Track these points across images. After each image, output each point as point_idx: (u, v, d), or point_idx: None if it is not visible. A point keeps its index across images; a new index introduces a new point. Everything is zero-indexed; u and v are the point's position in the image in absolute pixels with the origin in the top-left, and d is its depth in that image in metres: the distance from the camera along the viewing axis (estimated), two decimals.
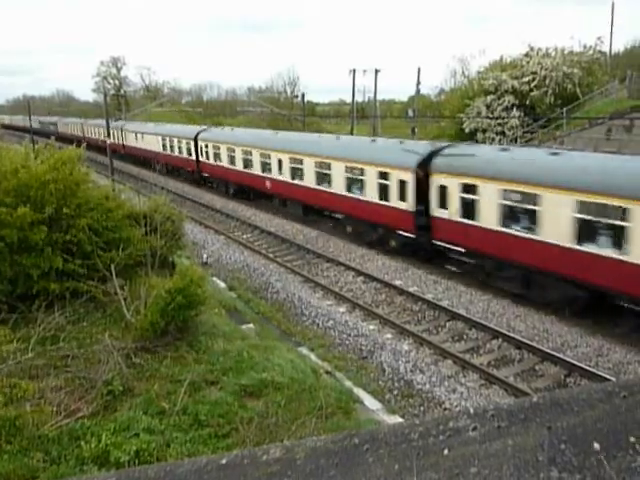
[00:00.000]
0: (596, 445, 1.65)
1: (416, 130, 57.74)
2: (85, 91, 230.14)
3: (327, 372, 13.66)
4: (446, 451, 1.89)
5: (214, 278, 21.05)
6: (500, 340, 15.75)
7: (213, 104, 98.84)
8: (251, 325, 16.17)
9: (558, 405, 1.89)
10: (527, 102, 38.29)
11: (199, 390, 10.69)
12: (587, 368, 13.77)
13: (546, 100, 37.51)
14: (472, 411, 2.05)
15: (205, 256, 24.22)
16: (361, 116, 72.99)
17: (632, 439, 1.60)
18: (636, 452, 1.56)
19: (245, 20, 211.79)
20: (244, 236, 28.40)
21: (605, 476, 1.54)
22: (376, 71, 65.46)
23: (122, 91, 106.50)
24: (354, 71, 63.95)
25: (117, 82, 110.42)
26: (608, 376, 13.01)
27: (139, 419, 9.42)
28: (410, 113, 58.04)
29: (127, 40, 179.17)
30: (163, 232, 15.43)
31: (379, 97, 69.59)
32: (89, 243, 13.61)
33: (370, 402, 12.51)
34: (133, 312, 12.57)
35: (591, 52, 41.91)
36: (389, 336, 16.25)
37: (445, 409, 12.35)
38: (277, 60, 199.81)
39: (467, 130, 39.22)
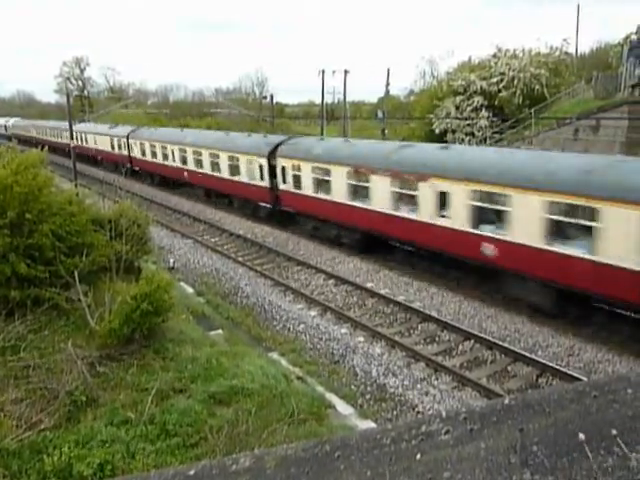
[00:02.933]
0: (566, 446, 1.66)
1: (386, 131, 58.08)
2: (47, 92, 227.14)
3: (298, 377, 13.64)
4: (419, 456, 1.89)
5: (181, 283, 20.92)
6: (472, 341, 15.89)
7: (180, 105, 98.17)
8: (220, 331, 16.10)
9: (530, 406, 1.90)
10: (496, 103, 38.87)
11: (166, 399, 10.59)
12: (559, 368, 13.95)
13: (514, 101, 38.12)
14: (444, 414, 2.06)
15: (172, 260, 24.06)
16: (331, 117, 73.21)
17: (595, 442, 1.61)
18: (607, 452, 1.57)
19: (211, 20, 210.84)
20: (212, 239, 28.26)
21: (577, 477, 1.55)
22: (345, 72, 65.64)
23: (86, 92, 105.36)
24: (323, 72, 64.09)
25: (80, 83, 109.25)
26: (580, 375, 13.20)
27: (103, 430, 9.30)
28: (379, 114, 58.34)
29: (91, 40, 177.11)
30: (129, 236, 15.30)
31: (349, 98, 69.79)
32: (52, 249, 13.43)
33: (342, 407, 12.51)
34: (97, 319, 12.43)
35: (558, 53, 42.77)
36: (361, 339, 16.28)
37: (418, 412, 12.40)
38: (245, 61, 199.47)
39: (437, 131, 39.57)
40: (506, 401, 1.98)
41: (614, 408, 1.74)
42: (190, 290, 20.60)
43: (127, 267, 15.30)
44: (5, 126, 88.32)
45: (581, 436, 1.67)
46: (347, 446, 2.07)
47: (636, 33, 37.58)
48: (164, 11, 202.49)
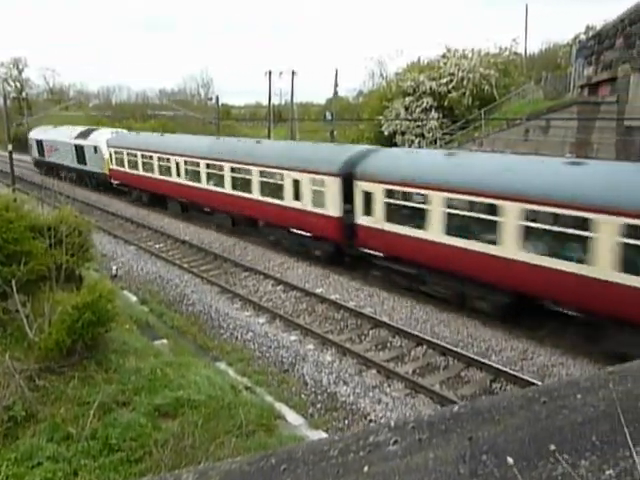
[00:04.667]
0: (516, 455, 1.65)
1: (335, 133, 58.27)
2: None
3: (247, 388, 13.52)
4: (366, 468, 1.86)
5: (125, 291, 20.61)
6: (425, 347, 15.96)
7: (123, 107, 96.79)
8: (165, 341, 15.87)
9: (479, 414, 1.88)
10: (445, 103, 39.17)
11: (109, 412, 10.37)
12: (512, 372, 14.09)
13: (464, 101, 38.54)
14: (392, 424, 2.03)
15: (115, 268, 23.67)
16: (278, 119, 73.09)
17: (552, 447, 1.60)
18: (557, 460, 1.56)
19: (153, 20, 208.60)
20: (156, 246, 27.92)
21: None
22: (293, 73, 65.69)
23: (24, 94, 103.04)
24: (270, 73, 63.99)
25: (18, 84, 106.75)
26: (533, 379, 13.33)
27: (43, 446, 9.06)
28: (328, 116, 58.51)
29: (29, 41, 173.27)
30: (69, 244, 14.95)
31: (297, 99, 69.83)
32: None
33: (292, 417, 12.45)
34: (36, 331, 12.11)
35: (507, 53, 43.49)
36: (311, 347, 16.24)
37: (370, 421, 12.40)
38: (190, 62, 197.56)
39: (386, 132, 39.77)
40: (455, 409, 1.96)
41: (563, 414, 1.73)
42: (134, 298, 20.30)
43: (68, 276, 14.96)
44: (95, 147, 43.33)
45: (531, 444, 1.66)
46: (293, 459, 2.03)
47: (584, 34, 38.51)
48: (104, 11, 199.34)
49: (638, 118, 18.44)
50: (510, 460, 1.60)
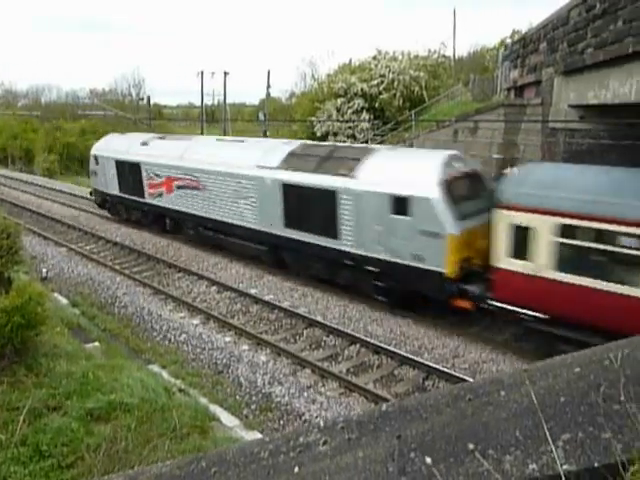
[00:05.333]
0: (443, 452, 1.66)
1: (268, 134, 58.17)
2: None
3: (181, 390, 13.35)
4: (297, 468, 1.85)
5: (55, 294, 20.04)
6: (358, 346, 16.04)
7: (52, 107, 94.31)
8: (97, 343, 15.55)
9: (407, 412, 1.89)
10: (376, 105, 39.52)
11: (40, 417, 10.07)
12: (444, 370, 14.29)
13: (395, 103, 38.97)
14: (322, 424, 2.02)
15: (45, 270, 23.03)
16: (211, 119, 72.60)
17: (471, 446, 1.62)
18: (482, 456, 1.58)
19: (84, 19, 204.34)
20: (88, 247, 27.28)
21: None
22: (225, 73, 65.36)
23: None
24: (202, 73, 63.50)
25: None
26: (465, 376, 13.55)
27: None
28: (261, 116, 58.42)
29: None
30: None
31: (229, 100, 69.45)
32: None
33: (227, 419, 12.33)
34: None
35: (436, 56, 44.22)
36: (245, 347, 16.15)
37: (305, 421, 12.41)
38: (121, 62, 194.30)
39: (319, 133, 39.90)
40: (383, 408, 1.96)
41: (488, 410, 1.75)
42: (64, 301, 19.79)
43: None
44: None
45: (457, 441, 1.67)
46: (224, 461, 2.01)
47: (510, 38, 39.47)
48: (33, 9, 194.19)
49: (562, 120, 18.91)
50: (428, 460, 1.61)
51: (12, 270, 16.26)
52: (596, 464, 1.47)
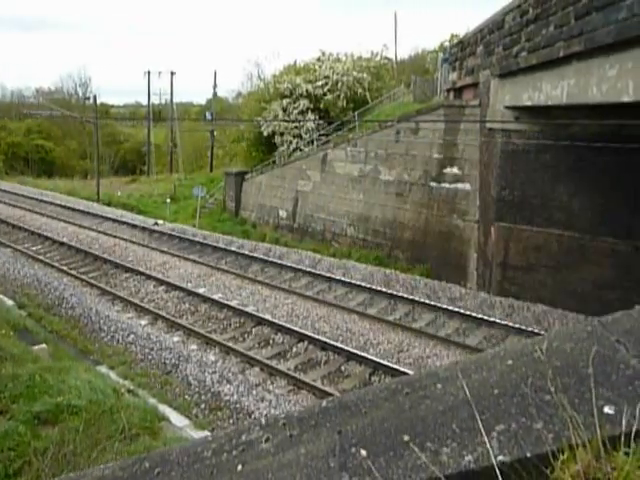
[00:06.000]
0: (382, 446, 1.68)
1: (215, 133, 57.85)
2: None
3: (129, 391, 13.16)
4: (240, 467, 1.85)
5: (0, 296, 19.60)
6: (306, 343, 16.12)
7: None
8: (44, 345, 15.22)
9: (347, 408, 1.90)
10: (321, 106, 39.87)
11: None
12: (390, 365, 14.50)
13: (339, 104, 39.39)
14: (264, 422, 2.03)
15: None
16: (158, 118, 71.86)
17: (415, 436, 1.65)
18: (420, 449, 1.60)
19: (27, 18, 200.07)
20: (34, 248, 26.81)
21: (393, 476, 1.56)
22: (172, 73, 64.98)
23: None
24: (149, 73, 63.00)
25: None
26: (409, 371, 13.67)
27: None
28: (208, 116, 58.08)
29: None
30: None
31: (177, 99, 69.02)
32: None
33: (177, 419, 12.22)
34: None
35: (378, 58, 44.81)
36: (194, 347, 16.05)
37: (255, 419, 12.39)
38: (67, 61, 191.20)
39: (265, 133, 40.07)
40: (324, 404, 1.97)
41: (426, 404, 1.77)
42: (10, 303, 19.31)
43: None
44: None
45: (396, 434, 1.69)
46: (167, 462, 2.00)
47: (449, 41, 40.29)
48: None
49: (498, 121, 19.58)
50: (363, 452, 1.63)
51: None
52: (528, 454, 1.51)
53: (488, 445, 1.53)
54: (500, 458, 1.50)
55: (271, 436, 1.90)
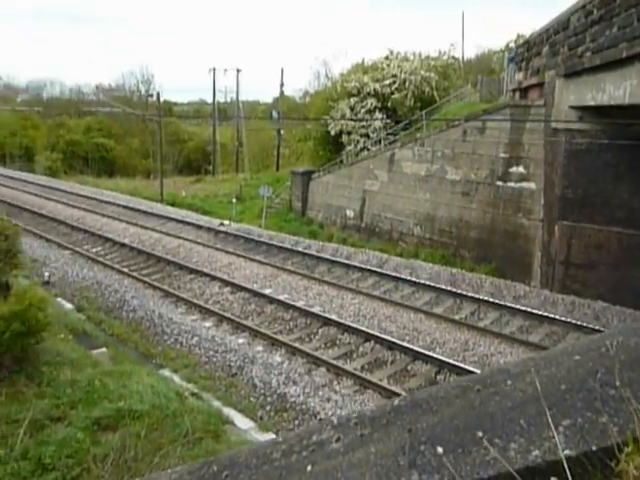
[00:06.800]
0: (452, 443, 1.72)
1: (282, 132, 58.37)
2: None
3: (193, 394, 13.45)
4: (309, 467, 1.90)
5: (59, 299, 20.19)
6: (372, 343, 16.35)
7: (55, 103, 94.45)
8: (104, 349, 15.64)
9: (418, 406, 1.94)
10: (389, 104, 40.00)
11: (42, 429, 10.03)
12: (455, 363, 14.83)
13: (406, 103, 39.55)
14: (335, 421, 2.07)
15: (47, 274, 23.17)
16: (224, 117, 72.68)
17: (484, 433, 1.68)
18: (489, 445, 1.64)
19: (88, 13, 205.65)
20: (94, 249, 27.51)
21: (462, 473, 1.60)
22: (238, 70, 65.73)
23: None
24: (214, 70, 63.84)
25: None
26: (475, 369, 13.99)
27: None
28: (275, 115, 58.53)
29: None
30: None
31: (242, 98, 69.79)
32: None
33: (241, 421, 12.45)
34: None
35: (445, 57, 44.71)
36: (260, 348, 16.29)
37: (320, 420, 12.47)
38: (130, 57, 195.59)
39: (332, 132, 40.42)
40: (396, 402, 2.02)
41: (495, 400, 1.82)
42: (69, 306, 19.91)
43: None
44: None
45: (466, 431, 1.73)
46: (236, 464, 2.05)
47: (515, 41, 40.16)
48: (32, 2, 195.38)
49: (562, 120, 20.09)
50: (440, 449, 1.68)
51: (11, 275, 16.38)
52: (594, 447, 1.57)
53: (556, 440, 1.58)
54: (566, 452, 1.56)
55: (342, 436, 1.96)
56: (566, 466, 1.53)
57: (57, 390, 11.44)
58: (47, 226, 32.71)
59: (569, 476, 1.52)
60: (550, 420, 1.63)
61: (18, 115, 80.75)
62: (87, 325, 17.78)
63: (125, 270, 23.65)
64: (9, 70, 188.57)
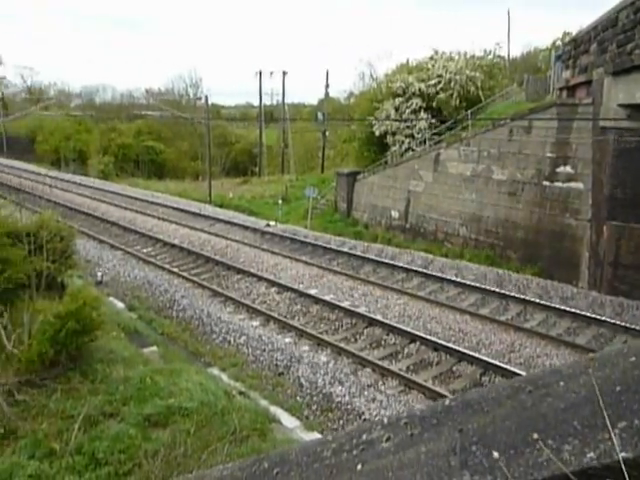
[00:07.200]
0: (504, 444, 1.70)
1: (326, 133, 58.45)
2: None
3: (241, 393, 13.53)
4: (359, 466, 1.90)
5: (111, 298, 20.49)
6: (418, 343, 16.27)
7: (107, 108, 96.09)
8: (154, 348, 15.83)
9: (469, 406, 1.93)
10: (434, 104, 39.72)
11: (96, 425, 10.17)
12: (501, 365, 14.65)
13: (452, 102, 39.20)
14: (386, 421, 2.07)
15: (100, 274, 23.59)
16: (270, 119, 73.09)
17: (537, 434, 1.66)
18: (541, 446, 1.62)
19: (137, 18, 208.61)
20: (144, 250, 27.90)
21: (515, 474, 1.59)
22: (284, 73, 66.09)
23: (0, 93, 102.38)
24: (260, 73, 64.29)
25: None
26: (520, 371, 13.81)
27: (24, 464, 8.80)
28: (320, 116, 58.62)
29: (4, 38, 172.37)
30: (50, 250, 14.88)
31: (288, 100, 70.20)
32: None
33: (288, 420, 12.48)
34: (15, 342, 11.98)
35: (491, 56, 44.30)
36: (306, 348, 16.33)
37: (365, 420, 12.46)
38: (178, 61, 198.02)
39: (377, 133, 40.22)
40: (446, 402, 2.00)
41: (548, 402, 1.79)
42: (121, 305, 20.20)
43: (49, 283, 14.88)
44: None
45: (517, 432, 1.71)
46: (286, 462, 2.06)
47: (562, 39, 39.51)
48: (84, 9, 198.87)
49: (611, 119, 19.77)
50: (495, 454, 1.66)
51: (66, 274, 16.69)
52: None
53: (612, 442, 1.54)
54: (623, 454, 1.52)
55: (392, 435, 1.95)
56: (624, 468, 1.49)
57: (110, 387, 11.59)
58: (100, 227, 33.26)
59: (626, 478, 1.49)
60: (608, 421, 1.60)
61: (72, 120, 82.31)
62: (138, 324, 18.02)
63: (175, 270, 23.93)
64: (63, 76, 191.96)
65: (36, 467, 8.84)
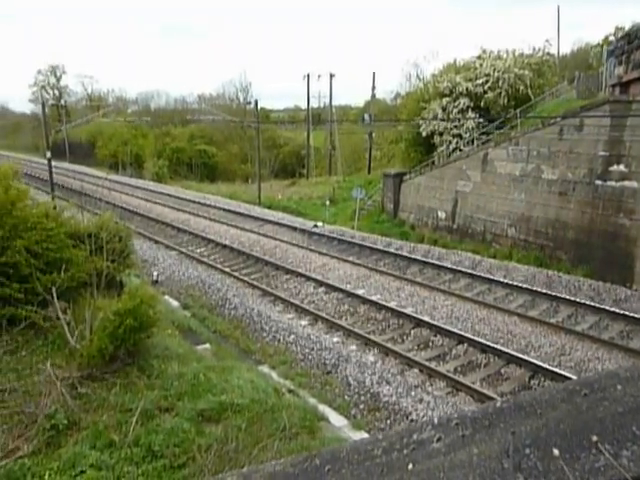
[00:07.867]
0: (559, 447, 1.66)
1: (373, 134, 58.28)
2: (22, 102, 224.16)
3: (290, 390, 13.57)
4: (410, 466, 1.87)
5: (166, 297, 20.79)
6: (466, 345, 16.06)
7: (161, 113, 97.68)
8: (207, 345, 16.00)
9: (522, 409, 1.89)
10: (482, 104, 39.14)
11: (152, 418, 10.36)
12: (550, 368, 14.25)
13: (500, 101, 38.51)
14: (436, 421, 2.04)
15: (156, 274, 23.94)
16: (317, 122, 73.28)
17: (594, 438, 1.62)
18: (599, 451, 1.58)
19: (190, 25, 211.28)
20: (198, 250, 28.26)
21: (571, 478, 1.55)
22: (331, 76, 66.18)
23: (63, 101, 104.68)
24: (308, 76, 64.51)
25: (57, 92, 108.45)
26: (570, 374, 13.49)
27: (86, 454, 9.02)
28: (366, 118, 58.50)
29: (66, 47, 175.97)
30: (110, 250, 15.16)
31: (335, 102, 70.26)
32: (27, 265, 13.24)
33: (336, 419, 12.48)
34: (78, 337, 12.26)
35: (540, 54, 43.37)
36: (354, 348, 16.30)
37: (412, 420, 12.38)
38: (229, 66, 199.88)
39: (424, 133, 39.84)
40: (498, 404, 1.97)
41: (604, 405, 1.75)
42: (175, 303, 20.50)
43: (108, 282, 15.14)
44: None
45: (573, 436, 1.67)
46: (337, 459, 2.05)
47: (614, 34, 38.45)
48: (141, 16, 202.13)
49: None
50: (556, 451, 1.62)
51: (124, 274, 16.99)
52: None
53: None
54: None
55: (443, 436, 1.92)
56: None
57: (165, 382, 11.76)
58: (155, 228, 33.79)
59: None
60: None
61: (129, 125, 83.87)
62: (192, 322, 18.26)
63: (227, 270, 24.16)
64: (120, 83, 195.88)
65: (97, 457, 9.02)
